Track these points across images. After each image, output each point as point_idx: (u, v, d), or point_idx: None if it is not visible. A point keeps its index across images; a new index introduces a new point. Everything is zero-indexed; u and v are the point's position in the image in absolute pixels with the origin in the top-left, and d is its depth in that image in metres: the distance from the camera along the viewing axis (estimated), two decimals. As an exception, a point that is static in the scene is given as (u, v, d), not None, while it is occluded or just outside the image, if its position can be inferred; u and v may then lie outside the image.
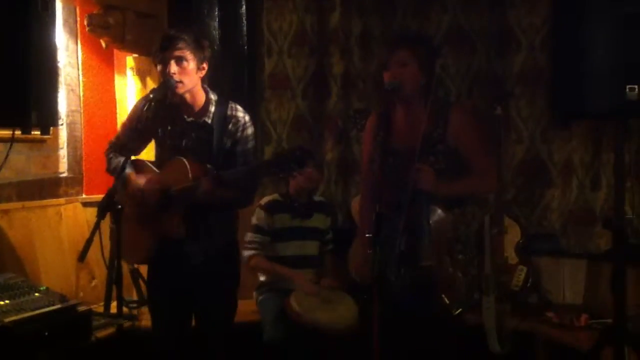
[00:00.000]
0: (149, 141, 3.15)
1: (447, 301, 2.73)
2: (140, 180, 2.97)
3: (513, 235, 3.94)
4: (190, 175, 2.79)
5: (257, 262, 3.79)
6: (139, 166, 3.07)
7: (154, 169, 3.03)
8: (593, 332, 3.42)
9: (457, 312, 2.74)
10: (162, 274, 3.04)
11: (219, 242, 2.99)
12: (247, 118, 3.00)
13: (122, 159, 3.02)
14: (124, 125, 3.15)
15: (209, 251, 2.94)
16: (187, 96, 2.91)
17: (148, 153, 3.22)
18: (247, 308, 3.86)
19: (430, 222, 2.71)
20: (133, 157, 3.14)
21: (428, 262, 2.71)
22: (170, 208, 2.85)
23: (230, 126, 2.96)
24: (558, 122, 3.95)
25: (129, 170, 3.00)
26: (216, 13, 4.27)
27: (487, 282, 3.47)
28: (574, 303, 3.96)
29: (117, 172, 2.93)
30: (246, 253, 3.78)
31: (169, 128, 2.99)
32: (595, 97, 2.83)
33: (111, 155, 3.13)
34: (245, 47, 4.36)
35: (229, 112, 2.97)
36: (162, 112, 2.94)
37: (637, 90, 2.72)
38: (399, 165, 2.76)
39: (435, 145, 2.74)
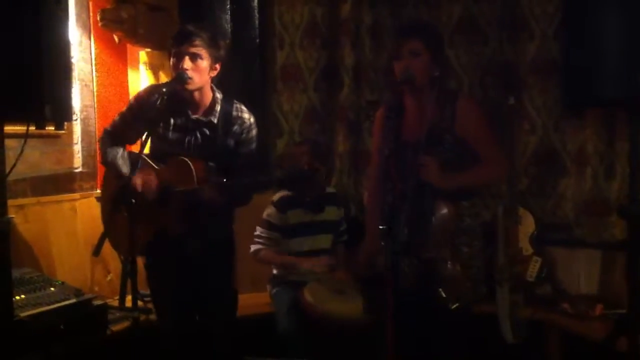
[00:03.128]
0: (144, 132, 3.05)
1: (444, 295, 2.71)
2: (140, 175, 2.92)
3: (527, 225, 3.93)
4: (195, 177, 2.81)
5: (264, 255, 3.80)
6: (136, 159, 3.03)
7: (152, 164, 3.00)
8: (607, 322, 3.41)
9: (455, 306, 2.72)
10: (160, 268, 3.05)
11: (217, 236, 3.02)
12: (252, 120, 3.02)
13: (119, 151, 3.01)
14: (124, 114, 3.09)
15: (206, 244, 2.96)
16: (196, 94, 2.92)
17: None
18: (260, 300, 3.88)
19: (433, 214, 2.70)
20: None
21: (428, 255, 2.70)
22: (170, 205, 2.86)
23: (235, 127, 2.97)
24: (571, 111, 3.92)
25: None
26: (227, 6, 4.25)
27: (501, 272, 3.46)
28: (588, 293, 3.94)
29: (133, 164, 2.91)
30: (254, 247, 3.80)
31: (173, 122, 2.98)
32: (608, 85, 2.81)
33: (107, 146, 3.06)
34: (257, 40, 4.35)
35: (234, 113, 2.98)
36: (170, 107, 2.93)
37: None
38: (409, 156, 2.75)
39: (443, 136, 2.73)
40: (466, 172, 2.75)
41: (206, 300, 3.07)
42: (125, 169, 2.98)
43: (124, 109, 3.13)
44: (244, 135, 2.99)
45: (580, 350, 3.50)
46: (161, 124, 2.99)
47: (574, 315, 3.62)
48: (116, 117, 3.13)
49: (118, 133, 3.08)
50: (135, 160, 2.90)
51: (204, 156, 2.91)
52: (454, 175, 2.69)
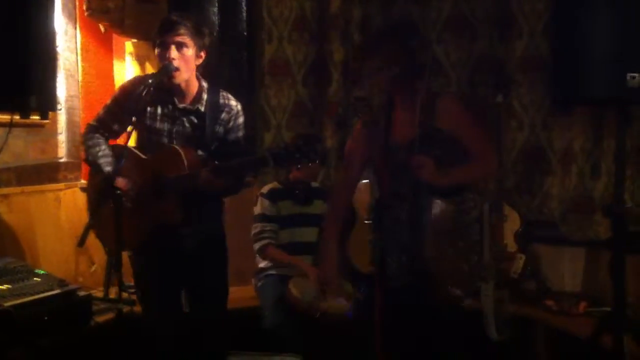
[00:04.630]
0: (129, 125, 3.00)
1: (457, 292, 2.72)
2: (129, 166, 2.89)
3: (513, 222, 3.94)
4: (185, 164, 2.78)
5: (272, 253, 3.79)
6: (125, 153, 3.00)
7: (140, 154, 2.97)
8: (592, 319, 3.43)
9: (467, 303, 2.75)
10: (154, 259, 3.02)
11: (209, 227, 3.01)
12: (239, 107, 3.01)
13: (103, 147, 2.98)
14: (108, 107, 3.04)
15: (200, 235, 2.95)
16: (182, 84, 2.90)
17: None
18: (245, 294, 3.87)
19: (432, 213, 2.70)
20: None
21: (430, 254, 2.71)
22: (164, 195, 2.84)
23: (223, 114, 2.96)
24: (558, 109, 3.94)
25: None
26: (216, -2, 4.25)
27: (486, 269, 3.47)
28: (573, 290, 3.96)
29: (118, 157, 2.88)
30: (259, 244, 3.78)
31: (160, 112, 2.96)
32: (596, 83, 2.81)
33: (90, 141, 3.01)
34: (245, 33, 4.33)
35: (221, 101, 2.97)
36: (156, 97, 2.91)
37: (638, 77, 2.70)
38: (397, 158, 2.74)
39: (429, 135, 2.72)
40: (460, 168, 2.74)
41: (197, 294, 3.05)
42: (107, 167, 2.92)
43: (108, 102, 3.08)
44: (231, 122, 2.97)
45: (566, 347, 3.52)
46: (147, 115, 2.96)
47: (558, 312, 3.64)
48: (100, 111, 3.08)
49: (102, 127, 3.04)
50: (119, 152, 2.86)
51: (193, 145, 2.90)
52: (449, 172, 2.69)
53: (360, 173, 3.01)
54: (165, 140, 2.92)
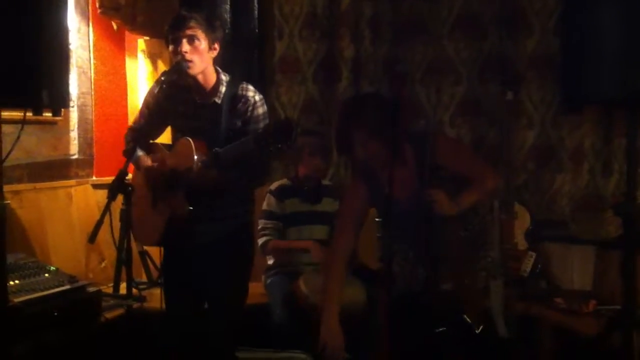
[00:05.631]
0: (165, 125, 3.14)
1: (469, 320, 2.73)
2: (150, 162, 2.98)
3: (522, 221, 3.93)
4: (194, 155, 2.77)
5: (272, 245, 3.80)
6: (152, 148, 3.07)
7: (165, 150, 3.03)
8: (601, 318, 3.41)
9: (480, 328, 2.75)
10: (174, 254, 3.06)
11: (231, 224, 2.98)
12: (257, 97, 2.95)
13: (132, 146, 3.01)
14: (141, 109, 3.13)
15: (220, 232, 2.93)
16: (200, 77, 2.90)
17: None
18: (255, 290, 3.88)
19: (447, 244, 2.73)
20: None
21: (447, 286, 2.72)
22: (176, 188, 2.85)
23: (239, 105, 2.92)
24: (569, 107, 3.92)
25: (140, 153, 3.00)
26: (228, -5, 4.26)
27: (495, 266, 3.47)
28: (582, 289, 3.95)
29: (128, 154, 2.93)
30: (261, 240, 3.79)
31: (181, 110, 2.99)
32: (607, 82, 2.78)
33: (129, 139, 3.11)
34: (256, 30, 4.35)
35: (239, 92, 2.93)
36: (174, 94, 2.95)
37: (649, 75, 2.69)
38: (403, 214, 2.74)
39: (433, 172, 2.73)
40: (467, 192, 2.77)
41: (215, 291, 3.01)
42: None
43: (142, 104, 3.15)
44: (249, 113, 2.91)
45: (575, 345, 3.50)
46: (173, 113, 3.01)
47: (567, 310, 3.63)
48: (137, 113, 3.17)
49: (137, 128, 3.11)
50: (150, 149, 2.99)
51: (213, 139, 2.85)
52: (459, 200, 2.72)
53: (361, 224, 3.02)
54: (190, 136, 2.88)
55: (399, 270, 2.75)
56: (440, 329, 2.72)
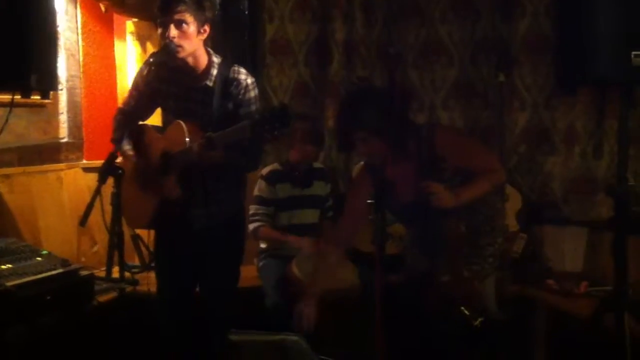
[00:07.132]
0: (155, 106, 3.10)
1: (467, 313, 2.73)
2: (142, 145, 2.96)
3: (514, 202, 3.94)
4: (187, 138, 2.74)
5: (264, 232, 3.79)
6: (142, 130, 3.05)
7: (156, 133, 3.00)
8: (593, 299, 3.43)
9: (479, 321, 2.75)
10: (166, 238, 3.04)
11: (224, 208, 2.96)
12: (249, 80, 2.92)
13: (121, 128, 3.01)
14: (130, 90, 3.10)
15: (213, 217, 2.92)
16: (190, 60, 2.86)
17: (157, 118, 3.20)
18: (248, 274, 3.87)
19: (445, 236, 2.73)
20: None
21: (445, 278, 2.72)
22: (168, 171, 2.83)
23: (231, 88, 2.89)
24: (562, 89, 3.92)
25: (127, 146, 2.99)
26: (217, -23, 4.21)
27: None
28: (574, 271, 3.97)
29: (116, 142, 2.91)
30: (252, 225, 3.78)
31: (172, 92, 2.96)
32: (600, 63, 2.78)
33: (114, 123, 3.08)
34: (246, 12, 4.30)
35: (231, 75, 2.90)
36: (165, 76, 2.92)
37: (643, 56, 2.68)
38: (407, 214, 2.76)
39: (435, 165, 2.71)
40: (468, 185, 2.75)
41: (208, 274, 3.01)
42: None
43: (131, 86, 3.12)
44: (240, 95, 2.89)
45: (567, 326, 3.53)
46: (163, 95, 2.98)
47: (559, 292, 3.65)
48: (126, 94, 3.13)
49: (126, 110, 3.08)
50: (137, 132, 2.95)
51: (205, 121, 2.84)
52: (459, 193, 2.70)
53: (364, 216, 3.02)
54: (182, 118, 2.86)
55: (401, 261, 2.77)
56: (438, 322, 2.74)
